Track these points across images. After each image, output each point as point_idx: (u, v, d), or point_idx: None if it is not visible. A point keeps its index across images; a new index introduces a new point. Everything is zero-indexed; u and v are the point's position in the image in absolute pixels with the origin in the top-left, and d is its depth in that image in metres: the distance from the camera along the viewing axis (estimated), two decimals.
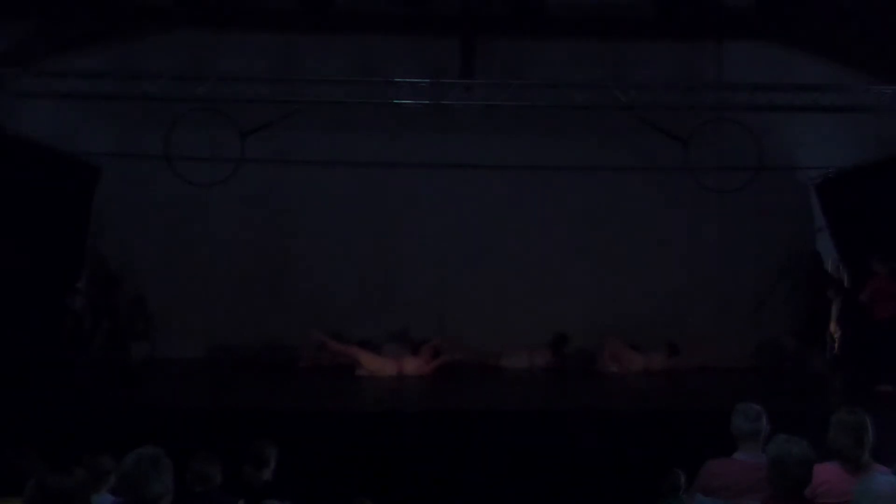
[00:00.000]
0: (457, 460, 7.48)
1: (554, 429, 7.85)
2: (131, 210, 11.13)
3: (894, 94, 8.54)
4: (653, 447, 7.13)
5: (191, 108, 9.11)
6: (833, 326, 10.42)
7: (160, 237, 11.24)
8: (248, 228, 11.32)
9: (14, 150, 8.96)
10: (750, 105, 8.82)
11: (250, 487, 5.32)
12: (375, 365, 10.36)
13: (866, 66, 9.85)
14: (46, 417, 7.55)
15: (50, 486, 3.24)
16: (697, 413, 7.59)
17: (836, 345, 10.41)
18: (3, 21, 9.11)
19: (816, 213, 11.10)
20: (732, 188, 9.66)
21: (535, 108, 9.47)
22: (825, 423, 4.21)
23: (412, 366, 10.52)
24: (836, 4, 9.37)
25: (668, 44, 10.91)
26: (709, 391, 9.53)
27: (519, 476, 7.48)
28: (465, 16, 9.93)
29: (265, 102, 8.94)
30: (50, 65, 9.80)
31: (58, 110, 9.87)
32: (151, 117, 9.84)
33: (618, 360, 10.78)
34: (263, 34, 10.81)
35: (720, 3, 10.07)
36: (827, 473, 4.01)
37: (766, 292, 10.95)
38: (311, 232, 11.31)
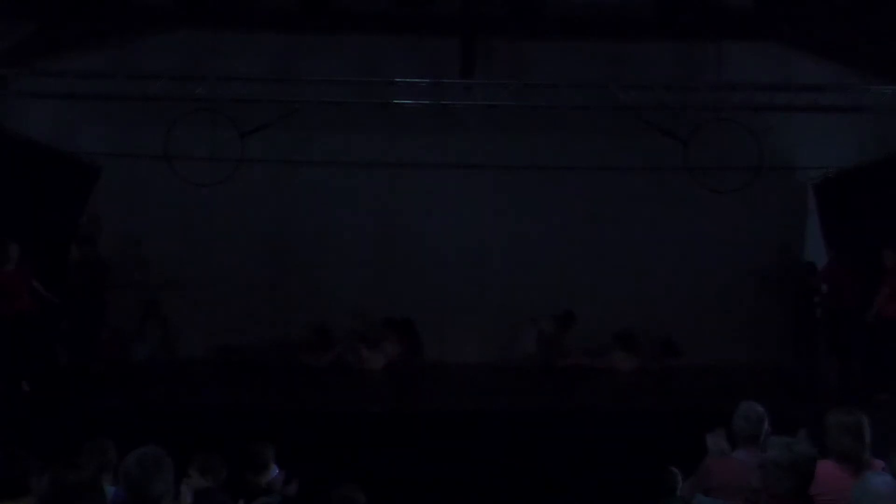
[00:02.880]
0: (455, 460, 7.49)
1: (553, 429, 7.86)
2: (131, 210, 11.13)
3: (894, 94, 8.53)
4: (651, 447, 7.13)
5: (191, 108, 9.11)
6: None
7: (160, 237, 11.23)
8: (247, 228, 11.31)
9: (14, 150, 8.96)
10: (750, 105, 8.81)
11: (252, 490, 5.34)
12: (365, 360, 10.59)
13: (866, 66, 9.85)
14: (42, 417, 7.57)
15: (66, 481, 3.24)
16: (697, 413, 7.59)
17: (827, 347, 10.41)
18: (3, 21, 9.11)
19: (812, 213, 11.10)
20: (732, 188, 9.65)
21: (535, 108, 9.47)
22: (818, 421, 4.21)
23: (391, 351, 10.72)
24: (836, 4, 9.37)
25: (668, 44, 10.91)
26: (709, 391, 9.53)
27: (518, 476, 7.48)
28: (465, 16, 9.93)
29: (265, 102, 8.94)
30: (50, 65, 9.80)
31: (58, 110, 9.88)
32: (151, 117, 9.83)
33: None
34: (263, 34, 10.81)
35: (720, 3, 10.06)
36: (825, 471, 4.01)
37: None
38: (311, 232, 11.32)
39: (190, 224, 11.23)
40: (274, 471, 6.33)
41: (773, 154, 10.00)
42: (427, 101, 9.04)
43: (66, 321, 10.07)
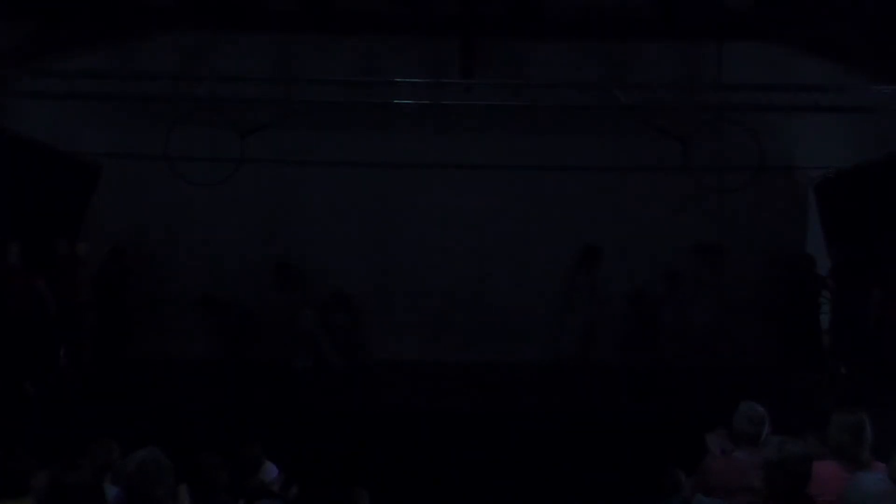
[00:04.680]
0: (456, 460, 7.50)
1: (554, 428, 7.87)
2: (131, 210, 11.13)
3: (894, 94, 8.53)
4: (653, 447, 7.14)
5: (191, 108, 9.11)
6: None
7: (160, 237, 11.23)
8: (247, 228, 11.30)
9: (14, 150, 8.97)
10: (750, 105, 8.81)
11: (252, 492, 5.35)
12: None
13: (866, 66, 9.85)
14: (45, 417, 7.57)
15: (64, 482, 3.25)
16: (697, 413, 7.60)
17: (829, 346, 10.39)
18: (3, 21, 9.11)
19: (812, 213, 11.10)
20: (732, 188, 9.65)
21: (535, 108, 9.45)
22: (824, 423, 4.22)
23: None
24: (836, 4, 9.38)
25: (668, 44, 10.90)
26: (709, 391, 9.54)
27: (519, 476, 7.49)
28: (465, 16, 9.94)
29: (265, 102, 8.94)
30: (50, 65, 9.80)
31: (58, 110, 9.87)
32: (151, 117, 9.83)
33: None
34: (263, 34, 10.80)
35: (720, 4, 10.07)
36: (825, 471, 4.02)
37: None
38: (311, 232, 11.30)
39: (189, 224, 11.22)
40: (273, 470, 6.34)
41: (773, 154, 9.99)
42: (427, 101, 9.04)
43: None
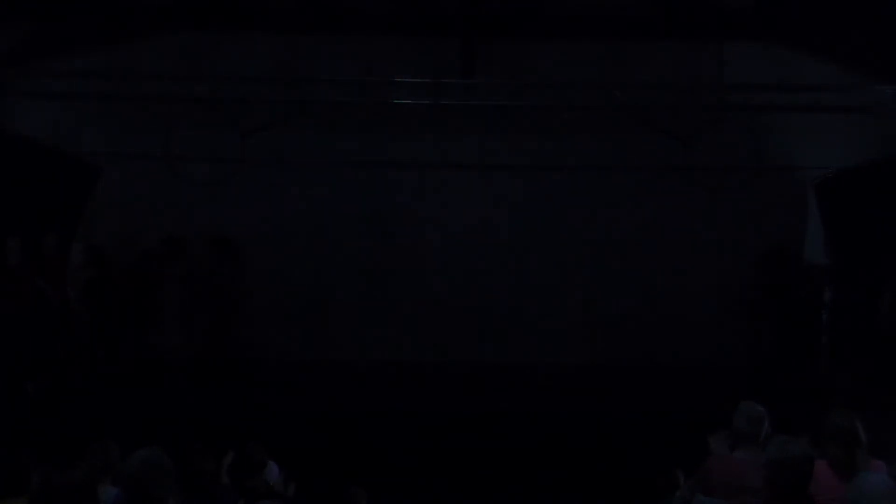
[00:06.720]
0: (456, 460, 7.50)
1: (554, 429, 7.87)
2: (131, 210, 11.12)
3: (894, 94, 8.53)
4: (653, 448, 7.14)
5: (191, 108, 9.11)
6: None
7: (159, 237, 11.22)
8: (247, 229, 11.29)
9: (14, 150, 8.97)
10: (750, 105, 8.81)
11: (253, 492, 5.35)
12: None
13: (866, 66, 9.85)
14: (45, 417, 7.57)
15: (56, 482, 3.24)
16: (697, 413, 7.60)
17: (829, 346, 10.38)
18: (3, 21, 9.12)
19: (812, 213, 11.10)
20: (732, 188, 9.64)
21: (535, 108, 9.45)
22: (823, 424, 4.23)
23: None
24: (836, 5, 9.38)
25: (668, 44, 10.90)
26: (709, 391, 9.53)
27: (518, 476, 7.50)
28: (465, 16, 9.94)
29: (265, 102, 8.93)
30: (50, 65, 9.80)
31: (58, 110, 9.87)
32: (151, 117, 9.83)
33: None
34: (263, 34, 10.81)
35: (720, 4, 10.08)
36: (821, 472, 4.03)
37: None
38: (311, 232, 11.31)
39: (189, 224, 11.21)
40: (274, 470, 6.34)
41: (773, 154, 10.00)
42: (427, 101, 9.04)
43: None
